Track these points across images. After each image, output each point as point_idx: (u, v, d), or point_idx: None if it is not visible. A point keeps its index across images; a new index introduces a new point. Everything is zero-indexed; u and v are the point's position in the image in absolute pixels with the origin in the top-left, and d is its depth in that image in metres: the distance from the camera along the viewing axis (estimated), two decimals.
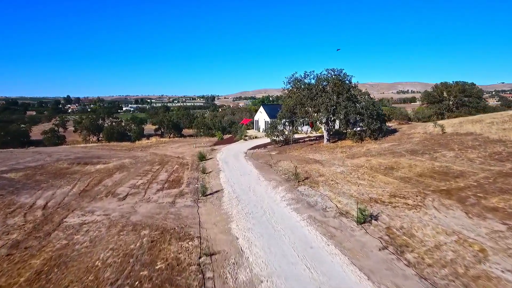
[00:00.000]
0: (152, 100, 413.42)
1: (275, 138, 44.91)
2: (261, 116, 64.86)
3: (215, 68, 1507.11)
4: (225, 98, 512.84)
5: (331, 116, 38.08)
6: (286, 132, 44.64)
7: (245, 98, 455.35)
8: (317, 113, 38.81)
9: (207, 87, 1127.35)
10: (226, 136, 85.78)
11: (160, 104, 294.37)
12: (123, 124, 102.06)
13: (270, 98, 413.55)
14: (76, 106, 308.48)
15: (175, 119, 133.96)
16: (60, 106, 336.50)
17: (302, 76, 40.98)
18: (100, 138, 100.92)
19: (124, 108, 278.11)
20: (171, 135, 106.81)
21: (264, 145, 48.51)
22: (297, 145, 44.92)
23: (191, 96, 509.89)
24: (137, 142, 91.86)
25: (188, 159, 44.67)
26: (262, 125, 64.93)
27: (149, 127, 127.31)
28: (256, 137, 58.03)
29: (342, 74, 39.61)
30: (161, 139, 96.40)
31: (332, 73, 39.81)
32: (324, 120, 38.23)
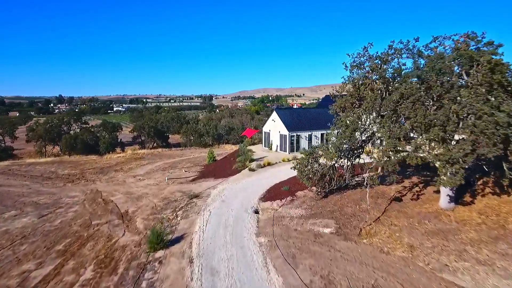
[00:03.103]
0: (148, 100, 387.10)
1: (313, 179, 21.02)
2: (274, 127, 41.18)
3: (214, 67, 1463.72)
4: (223, 97, 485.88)
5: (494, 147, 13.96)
6: (345, 165, 20.76)
7: (244, 98, 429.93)
8: (443, 140, 14.72)
9: (206, 87, 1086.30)
10: (222, 151, 61.61)
11: (154, 104, 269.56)
12: (92, 130, 77.69)
13: (270, 98, 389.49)
14: (65, 106, 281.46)
15: (164, 123, 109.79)
16: (52, 105, 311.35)
17: (390, 52, 17.02)
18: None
19: (115, 108, 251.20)
20: (154, 144, 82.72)
21: (290, 189, 24.59)
22: (359, 197, 21.04)
23: (189, 95, 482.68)
24: (106, 155, 67.86)
25: (138, 228, 20.76)
26: (276, 141, 41.14)
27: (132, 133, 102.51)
28: (269, 164, 34.15)
29: (482, 44, 15.88)
30: (139, 151, 72.36)
31: (460, 41, 15.94)
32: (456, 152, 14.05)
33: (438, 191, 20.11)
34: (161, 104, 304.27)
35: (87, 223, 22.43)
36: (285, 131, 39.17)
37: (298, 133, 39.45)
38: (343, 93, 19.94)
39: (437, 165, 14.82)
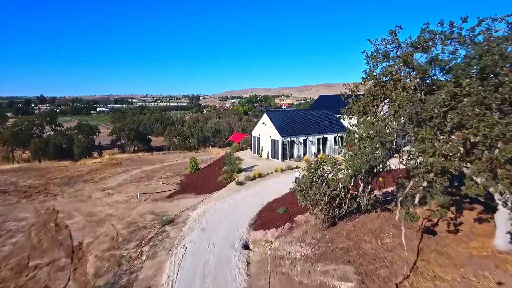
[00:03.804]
0: (134, 100, 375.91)
1: (320, 204, 16.05)
2: (265, 131, 36.17)
3: (202, 67, 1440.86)
4: (211, 97, 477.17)
5: None
6: (361, 188, 15.84)
7: (232, 98, 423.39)
8: None
9: (193, 87, 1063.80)
10: (207, 155, 56.13)
11: (140, 105, 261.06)
12: (66, 133, 71.04)
13: (258, 98, 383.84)
14: (47, 106, 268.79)
15: (147, 124, 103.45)
16: (32, 106, 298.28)
17: (426, 36, 12.23)
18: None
19: (98, 109, 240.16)
20: (135, 148, 76.56)
21: (287, 212, 19.60)
22: (378, 226, 16.28)
23: (176, 95, 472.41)
24: (81, 161, 61.70)
25: (87, 274, 15.34)
26: (267, 147, 36.11)
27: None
28: (260, 175, 29.06)
29: None
30: (118, 155, 66.30)
31: None
32: None
33: (480, 220, 15.47)
34: (147, 104, 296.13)
35: (22, 264, 16.86)
36: (277, 136, 34.18)
37: (292, 138, 34.52)
38: (358, 93, 15.05)
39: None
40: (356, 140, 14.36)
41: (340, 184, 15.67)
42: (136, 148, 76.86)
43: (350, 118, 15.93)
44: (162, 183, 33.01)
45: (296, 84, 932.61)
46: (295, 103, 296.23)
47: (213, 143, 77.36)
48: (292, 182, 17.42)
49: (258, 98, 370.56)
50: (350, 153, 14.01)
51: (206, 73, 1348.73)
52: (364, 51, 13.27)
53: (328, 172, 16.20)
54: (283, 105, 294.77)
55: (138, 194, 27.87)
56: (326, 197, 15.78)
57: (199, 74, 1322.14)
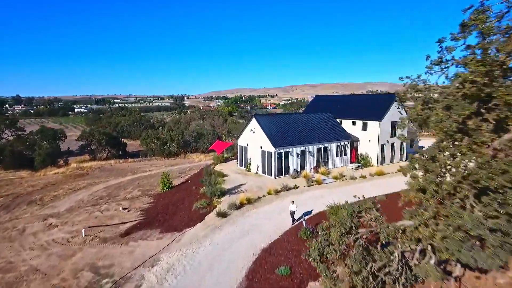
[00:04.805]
0: (116, 101, 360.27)
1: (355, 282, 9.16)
2: (254, 140, 29.06)
3: (187, 67, 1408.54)
4: (195, 98, 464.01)
5: None
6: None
7: (217, 98, 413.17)
8: None
9: (178, 87, 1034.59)
10: (187, 163, 48.41)
11: (122, 105, 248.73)
12: (27, 139, 61.87)
13: (243, 98, 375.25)
14: (22, 107, 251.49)
15: (125, 127, 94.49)
16: (7, 106, 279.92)
17: None
18: None
19: (76, 110, 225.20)
20: (108, 154, 67.84)
21: (293, 274, 12.56)
22: None
23: (160, 96, 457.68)
24: (42, 171, 53.14)
25: None
26: (256, 159, 28.97)
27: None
28: (248, 201, 21.88)
29: None
30: (87, 163, 57.86)
31: None
32: None
33: None
34: (130, 104, 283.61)
35: None
36: (269, 146, 27.11)
37: (287, 149, 27.55)
38: (433, 93, 8.11)
39: None
40: (437, 188, 7.35)
41: (396, 253, 8.75)
42: (109, 154, 68.15)
43: (413, 138, 8.92)
44: (123, 208, 25.34)
45: (281, 84, 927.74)
46: (280, 103, 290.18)
47: (196, 148, 69.64)
48: (310, 255, 10.35)
49: (243, 98, 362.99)
50: (431, 210, 7.03)
51: (191, 73, 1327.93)
52: (471, 6, 6.34)
53: (374, 232, 9.24)
54: (269, 105, 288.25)
55: (83, 231, 20.14)
56: (371, 277, 8.81)
57: (184, 74, 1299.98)
